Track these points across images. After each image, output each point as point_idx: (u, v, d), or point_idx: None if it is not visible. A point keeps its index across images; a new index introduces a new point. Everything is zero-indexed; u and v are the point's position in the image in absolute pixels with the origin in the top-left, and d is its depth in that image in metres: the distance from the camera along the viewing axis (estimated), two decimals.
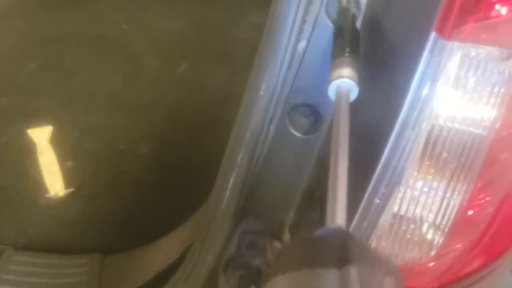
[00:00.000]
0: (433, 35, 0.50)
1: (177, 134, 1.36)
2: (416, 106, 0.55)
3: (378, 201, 0.60)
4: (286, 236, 0.83)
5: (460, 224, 0.68)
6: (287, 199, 0.78)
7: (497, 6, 0.52)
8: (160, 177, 1.23)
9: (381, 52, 0.61)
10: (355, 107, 0.67)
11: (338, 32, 0.62)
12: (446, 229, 0.66)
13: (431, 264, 0.69)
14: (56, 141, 1.33)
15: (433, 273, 0.70)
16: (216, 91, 1.52)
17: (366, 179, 0.60)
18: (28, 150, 1.30)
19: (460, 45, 0.51)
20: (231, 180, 0.74)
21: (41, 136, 1.34)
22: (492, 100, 0.57)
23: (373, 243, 0.63)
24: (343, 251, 0.40)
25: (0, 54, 1.64)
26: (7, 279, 0.94)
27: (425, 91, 0.53)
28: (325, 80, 0.70)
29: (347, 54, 0.58)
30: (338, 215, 0.46)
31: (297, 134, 0.73)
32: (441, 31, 0.50)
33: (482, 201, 0.68)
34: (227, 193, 0.76)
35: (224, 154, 0.76)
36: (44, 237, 1.11)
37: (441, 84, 0.54)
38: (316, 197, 0.75)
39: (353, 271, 0.38)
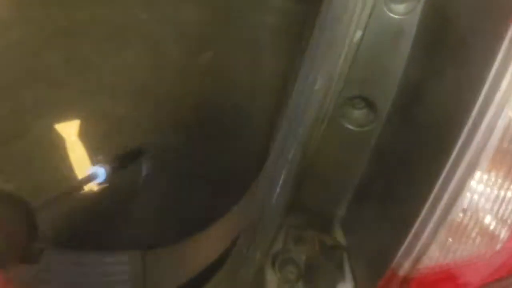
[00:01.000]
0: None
1: (205, 125, 1.34)
2: (492, 98, 0.53)
3: (447, 197, 0.57)
4: (337, 231, 0.82)
5: None
6: (337, 193, 0.76)
7: None
8: (192, 170, 1.21)
9: (448, 41, 0.58)
10: (415, 95, 0.64)
11: None
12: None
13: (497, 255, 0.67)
14: (85, 136, 1.31)
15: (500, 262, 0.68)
16: (241, 79, 1.50)
17: (435, 173, 0.57)
18: (57, 145, 1.29)
19: None
20: (282, 177, 0.72)
21: (69, 130, 1.32)
22: None
23: (439, 238, 0.61)
24: None
25: (18, 46, 1.61)
26: (47, 279, 0.93)
27: (504, 84, 0.51)
28: (381, 71, 0.67)
29: None
30: None
31: (350, 127, 0.71)
32: None
33: None
34: (278, 189, 0.74)
35: (273, 147, 0.73)
36: (82, 234, 1.09)
37: None
38: (372, 194, 0.73)
39: None
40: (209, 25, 1.69)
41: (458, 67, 0.55)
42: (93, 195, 1.19)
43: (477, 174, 0.57)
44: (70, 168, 1.24)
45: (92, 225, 1.13)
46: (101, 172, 1.07)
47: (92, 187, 1.21)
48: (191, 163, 1.26)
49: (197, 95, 1.43)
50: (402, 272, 0.64)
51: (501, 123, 0.53)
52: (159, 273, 0.95)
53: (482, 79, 0.51)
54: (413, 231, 0.61)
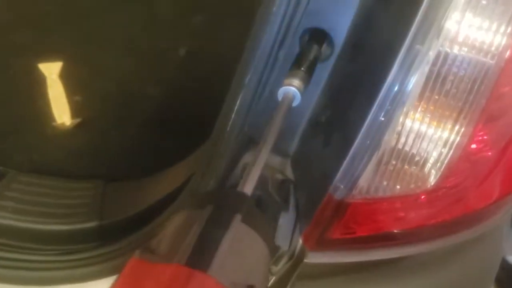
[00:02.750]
0: None
1: (187, 81, 1.37)
2: (425, 25, 0.56)
3: (382, 118, 0.60)
4: (288, 169, 0.84)
5: (461, 159, 0.68)
6: (292, 127, 0.79)
7: None
8: (166, 117, 1.24)
9: None
10: (367, 28, 0.67)
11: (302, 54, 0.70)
12: (446, 161, 0.67)
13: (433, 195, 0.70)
14: (66, 76, 1.34)
15: (438, 204, 0.71)
16: (229, 45, 1.52)
17: (374, 96, 0.60)
18: (37, 82, 1.32)
19: None
20: (238, 102, 0.74)
21: (51, 70, 1.35)
22: (503, 27, 0.57)
23: (373, 163, 0.64)
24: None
25: None
26: (10, 196, 0.96)
27: (434, 13, 0.54)
28: (340, 4, 0.70)
29: (302, 69, 0.68)
30: (247, 185, 0.57)
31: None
32: None
33: (485, 137, 0.69)
34: (233, 116, 0.76)
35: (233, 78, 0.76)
36: (49, 164, 1.12)
37: (451, 6, 0.55)
38: (320, 124, 0.75)
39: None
40: None
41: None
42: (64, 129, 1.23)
43: (411, 99, 0.60)
44: (47, 104, 1.27)
45: (60, 156, 1.16)
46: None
47: (65, 121, 1.24)
48: (167, 110, 1.29)
49: (183, 54, 1.46)
50: (337, 195, 0.67)
51: (430, 55, 0.56)
52: (119, 200, 0.99)
53: (414, 13, 0.55)
54: (350, 154, 0.64)
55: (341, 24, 0.69)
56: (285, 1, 0.68)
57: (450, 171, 0.69)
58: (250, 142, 0.82)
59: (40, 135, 1.20)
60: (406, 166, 0.66)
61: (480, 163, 0.72)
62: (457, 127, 0.65)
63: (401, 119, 0.61)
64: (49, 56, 1.39)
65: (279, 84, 0.69)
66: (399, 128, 0.62)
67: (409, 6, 0.57)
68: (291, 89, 0.67)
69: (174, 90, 1.33)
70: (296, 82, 0.67)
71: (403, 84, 0.59)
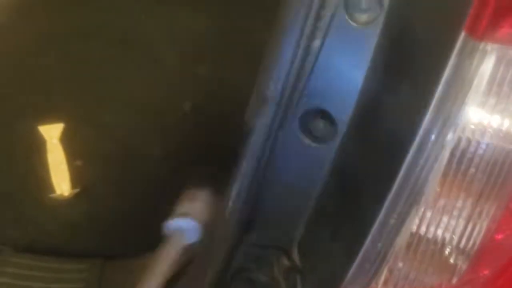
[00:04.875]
0: (463, 35, 0.44)
1: (192, 138, 1.31)
2: (441, 115, 0.49)
3: (393, 221, 0.53)
4: (295, 253, 0.77)
5: (487, 249, 0.61)
6: (296, 212, 0.72)
7: None
8: (170, 182, 1.17)
9: (403, 52, 0.54)
10: (373, 111, 0.61)
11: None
12: (471, 254, 0.60)
13: None
14: (67, 139, 1.29)
15: None
16: (235, 95, 1.46)
17: (382, 195, 0.53)
18: (37, 147, 1.27)
19: (495, 46, 0.44)
20: (233, 190, 0.68)
21: (51, 133, 1.30)
22: None
23: (389, 264, 0.56)
24: None
25: (18, 50, 1.61)
26: (3, 282, 0.90)
27: (452, 99, 0.47)
28: (342, 84, 0.64)
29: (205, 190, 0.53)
30: None
31: (309, 142, 0.67)
32: (473, 30, 0.43)
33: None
34: (230, 203, 0.70)
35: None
36: (45, 239, 1.07)
37: (471, 91, 0.47)
38: (328, 214, 0.68)
39: None
40: (209, 35, 1.68)
41: (411, 81, 0.52)
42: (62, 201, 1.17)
43: (427, 197, 0.53)
44: (46, 171, 1.22)
45: (57, 230, 1.10)
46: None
47: (64, 192, 1.18)
48: (172, 174, 1.23)
49: (188, 109, 1.41)
50: None
51: (448, 143, 0.49)
52: (114, 284, 0.92)
53: (432, 93, 0.47)
54: (359, 257, 0.57)
55: (343, 104, 0.63)
56: (283, 78, 0.62)
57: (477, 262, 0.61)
58: (250, 223, 0.77)
59: (37, 207, 1.14)
60: (424, 266, 0.58)
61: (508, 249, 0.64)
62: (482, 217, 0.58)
63: (416, 221, 0.54)
64: (49, 117, 1.34)
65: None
66: (414, 228, 0.55)
67: (422, 91, 0.49)
68: (188, 222, 0.53)
69: (177, 150, 1.27)
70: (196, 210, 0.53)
71: (417, 182, 0.51)
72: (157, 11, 1.75)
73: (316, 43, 0.61)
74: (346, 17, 0.60)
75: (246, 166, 0.66)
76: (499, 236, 0.61)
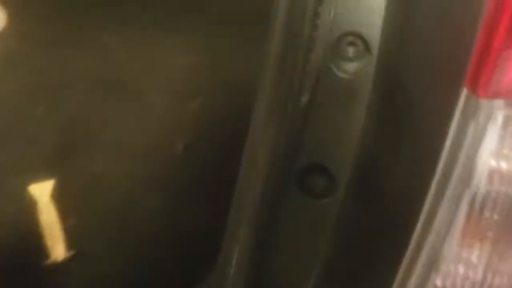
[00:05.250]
0: (464, 92, 0.39)
1: (188, 184, 1.26)
2: (450, 174, 0.44)
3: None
4: None
5: None
6: (301, 274, 0.67)
7: None
8: (166, 236, 1.13)
9: (399, 109, 0.50)
10: (374, 168, 0.56)
11: None
12: None
13: None
14: (59, 197, 1.25)
15: None
16: (229, 127, 1.42)
17: (396, 260, 0.49)
18: (28, 208, 1.22)
19: (502, 103, 0.40)
20: (234, 258, 0.64)
21: (42, 191, 1.25)
22: None
23: None
24: None
25: (2, 101, 1.56)
26: None
27: (461, 160, 0.43)
28: (336, 136, 0.59)
29: None
30: None
31: (308, 200, 0.63)
32: (474, 86, 0.39)
33: None
34: (231, 272, 0.65)
35: (226, 228, 0.66)
36: None
37: (481, 151, 0.43)
38: (335, 272, 0.64)
39: None
40: (197, 70, 1.63)
41: (410, 140, 0.47)
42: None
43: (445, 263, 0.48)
44: (39, 234, 1.17)
45: None
46: None
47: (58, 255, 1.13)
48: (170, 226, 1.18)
49: (177, 148, 1.36)
50: None
51: (463, 207, 0.44)
52: None
53: (436, 155, 0.43)
54: None
55: (340, 158, 0.59)
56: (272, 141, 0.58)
57: None
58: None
59: (31, 274, 1.09)
60: None
61: None
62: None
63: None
64: (39, 172, 1.30)
65: None
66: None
67: (424, 156, 0.45)
68: None
69: (174, 198, 1.22)
70: None
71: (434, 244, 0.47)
72: (143, 49, 1.71)
73: (305, 98, 0.57)
74: (334, 68, 0.56)
75: (245, 234, 0.62)
76: None
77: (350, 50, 0.55)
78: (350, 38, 0.55)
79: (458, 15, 0.41)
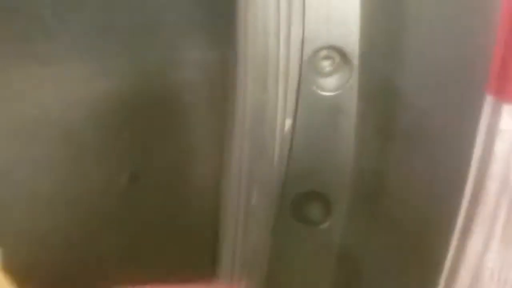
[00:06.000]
0: (490, 98, 0.36)
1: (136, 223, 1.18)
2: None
3: None
4: None
5: None
6: None
7: None
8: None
9: (402, 122, 0.46)
10: (378, 187, 0.53)
11: None
12: None
13: None
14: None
15: None
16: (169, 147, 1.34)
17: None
18: None
19: None
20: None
21: None
22: None
23: None
24: None
25: None
26: None
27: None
28: (325, 157, 0.55)
29: None
30: None
31: (305, 228, 0.58)
32: (500, 91, 0.36)
33: None
34: None
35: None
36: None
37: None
38: None
39: None
40: (121, 93, 1.54)
41: (423, 154, 0.44)
42: None
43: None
44: None
45: None
46: None
47: None
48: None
49: (126, 182, 1.27)
50: None
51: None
52: None
53: (464, 166, 0.39)
54: None
55: (334, 181, 0.54)
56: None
57: None
58: None
59: None
60: None
61: None
62: None
63: None
64: None
65: None
66: None
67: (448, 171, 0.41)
68: None
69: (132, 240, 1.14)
70: None
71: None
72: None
73: (287, 123, 0.52)
74: (313, 87, 0.51)
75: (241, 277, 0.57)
76: None
77: (326, 65, 0.51)
78: (324, 52, 0.51)
79: (465, 18, 0.37)
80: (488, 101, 0.36)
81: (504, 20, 0.33)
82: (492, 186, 0.39)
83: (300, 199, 0.57)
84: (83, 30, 1.33)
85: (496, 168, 0.38)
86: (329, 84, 0.51)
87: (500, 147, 0.37)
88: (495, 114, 0.37)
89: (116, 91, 1.50)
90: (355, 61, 0.50)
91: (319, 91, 0.51)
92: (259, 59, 0.50)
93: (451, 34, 0.40)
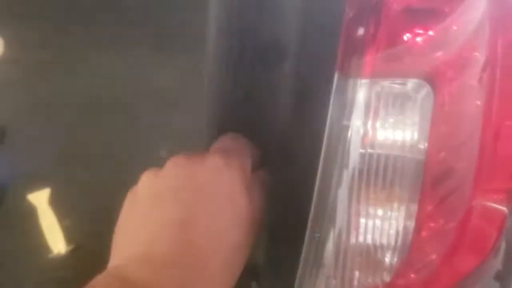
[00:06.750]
0: (336, 74, 0.53)
1: None
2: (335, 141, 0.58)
3: (318, 235, 0.62)
4: None
5: (414, 246, 0.69)
6: None
7: (401, 34, 0.55)
8: None
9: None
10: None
11: None
12: (397, 252, 0.68)
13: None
14: (54, 202, 1.39)
15: None
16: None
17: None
18: (29, 214, 1.36)
19: (364, 81, 0.54)
20: None
21: (40, 199, 1.39)
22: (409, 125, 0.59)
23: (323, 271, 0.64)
24: None
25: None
26: None
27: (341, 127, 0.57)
28: None
29: None
30: None
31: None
32: (343, 69, 0.53)
33: (437, 220, 0.69)
34: None
35: None
36: None
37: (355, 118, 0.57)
38: None
39: None
40: (182, 83, 1.77)
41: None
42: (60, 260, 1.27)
43: (341, 214, 0.62)
44: (41, 235, 1.32)
45: None
46: None
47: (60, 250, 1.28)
48: None
49: (165, 156, 1.49)
50: None
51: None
52: None
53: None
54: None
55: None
56: None
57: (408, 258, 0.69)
58: None
59: (35, 269, 1.23)
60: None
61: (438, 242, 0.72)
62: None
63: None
64: (36, 183, 1.44)
65: None
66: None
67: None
68: None
69: None
70: None
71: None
72: (126, 66, 1.85)
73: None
74: None
75: None
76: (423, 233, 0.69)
77: None
78: None
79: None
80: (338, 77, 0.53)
81: None
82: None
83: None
84: None
85: None
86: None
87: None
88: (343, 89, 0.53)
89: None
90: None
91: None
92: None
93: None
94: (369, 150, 0.59)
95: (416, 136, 0.61)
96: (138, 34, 1.95)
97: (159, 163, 1.44)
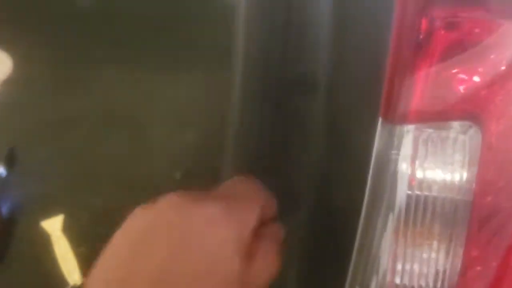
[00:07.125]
0: (380, 120, 0.50)
1: None
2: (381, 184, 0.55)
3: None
4: None
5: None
6: None
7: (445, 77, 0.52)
8: None
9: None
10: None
11: None
12: None
13: None
14: (68, 229, 1.35)
15: None
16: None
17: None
18: (42, 242, 1.33)
19: (409, 127, 0.51)
20: None
21: (54, 226, 1.36)
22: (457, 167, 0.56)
23: None
24: None
25: (9, 144, 1.67)
26: None
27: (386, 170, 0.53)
28: None
29: None
30: None
31: None
32: (387, 115, 0.50)
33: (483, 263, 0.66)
34: None
35: None
36: None
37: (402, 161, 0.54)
38: None
39: None
40: (193, 101, 1.74)
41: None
42: None
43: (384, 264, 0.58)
44: (55, 264, 1.28)
45: None
46: None
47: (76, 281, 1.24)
48: None
49: (179, 177, 1.46)
50: None
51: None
52: None
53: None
54: None
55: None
56: None
57: None
58: None
59: None
60: None
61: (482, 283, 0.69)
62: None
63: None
64: (48, 209, 1.40)
65: None
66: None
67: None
68: None
69: None
70: None
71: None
72: (138, 85, 1.82)
73: None
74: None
75: None
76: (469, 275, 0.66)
77: None
78: None
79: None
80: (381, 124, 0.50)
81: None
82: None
83: None
84: None
85: None
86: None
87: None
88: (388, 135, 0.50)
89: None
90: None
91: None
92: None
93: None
94: (416, 192, 0.56)
95: (463, 177, 0.58)
96: (153, 53, 1.93)
97: (173, 186, 1.41)
